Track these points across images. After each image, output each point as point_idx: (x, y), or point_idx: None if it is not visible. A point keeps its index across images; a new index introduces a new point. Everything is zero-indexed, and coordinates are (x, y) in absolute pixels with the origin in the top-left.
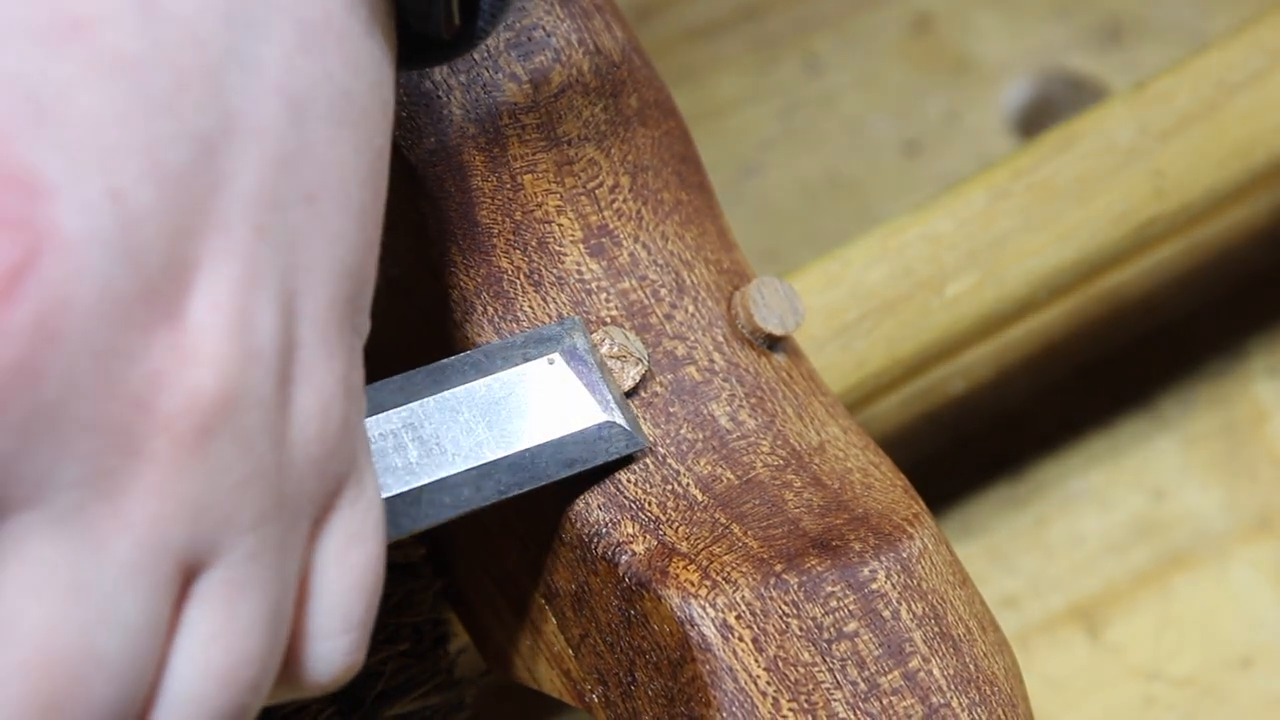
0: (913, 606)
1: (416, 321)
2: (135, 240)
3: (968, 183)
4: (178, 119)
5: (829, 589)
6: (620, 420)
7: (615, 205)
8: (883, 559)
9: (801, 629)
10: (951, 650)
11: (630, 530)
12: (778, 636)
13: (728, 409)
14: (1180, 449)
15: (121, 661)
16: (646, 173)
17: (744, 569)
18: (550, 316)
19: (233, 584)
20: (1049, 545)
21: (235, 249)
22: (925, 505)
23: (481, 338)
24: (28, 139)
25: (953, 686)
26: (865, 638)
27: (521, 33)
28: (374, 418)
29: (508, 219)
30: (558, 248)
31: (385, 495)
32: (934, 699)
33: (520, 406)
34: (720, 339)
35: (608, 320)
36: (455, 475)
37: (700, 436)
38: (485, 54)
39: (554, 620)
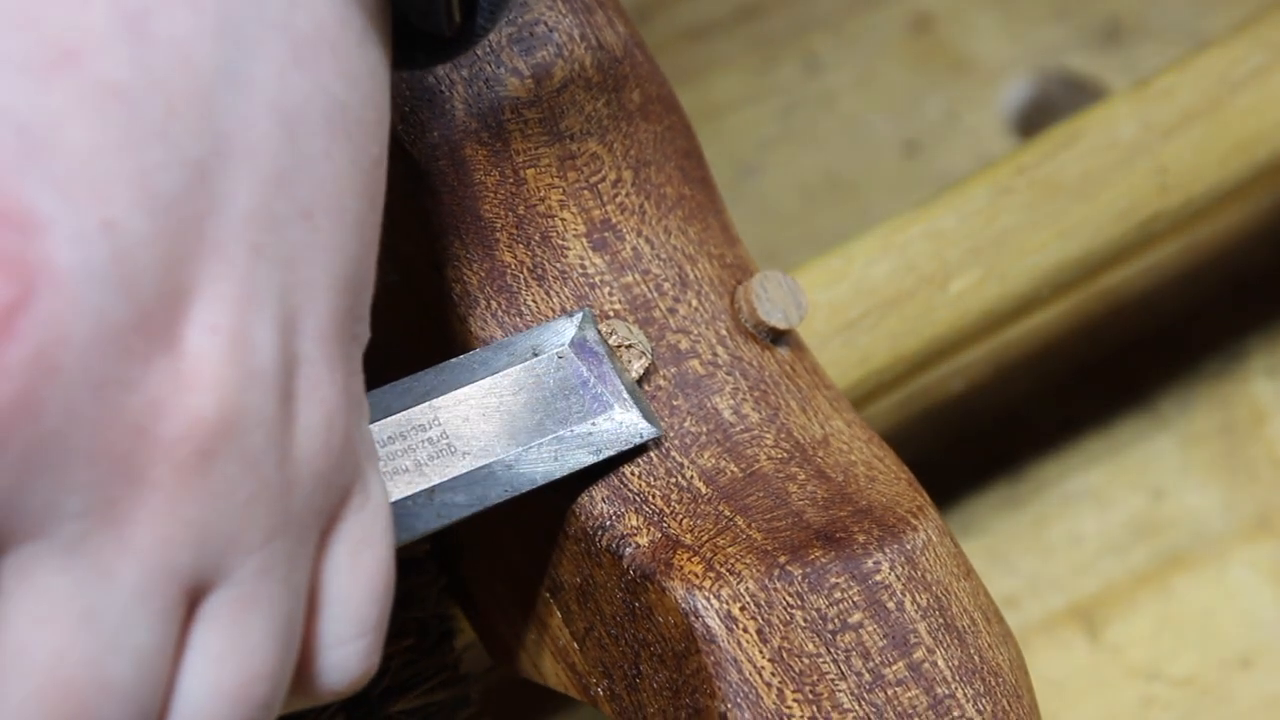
0: (917, 598)
1: (420, 317)
2: (129, 270)
3: (970, 179)
4: (170, 145)
5: (833, 580)
6: (634, 410)
7: (618, 200)
8: (887, 551)
9: (806, 620)
10: (956, 641)
11: (634, 523)
12: (782, 628)
13: (731, 402)
14: (1180, 449)
15: (131, 686)
16: (649, 167)
17: (748, 561)
18: (554, 310)
19: (241, 602)
20: (1048, 545)
21: (231, 271)
22: (928, 497)
23: (485, 332)
24: (19, 173)
25: (958, 677)
26: (870, 629)
27: (524, 28)
28: (382, 421)
29: (511, 213)
30: (561, 242)
31: (396, 498)
32: (939, 690)
33: (532, 401)
34: (724, 333)
35: (611, 314)
36: (467, 474)
37: (704, 430)
38: (487, 49)
39: (559, 614)
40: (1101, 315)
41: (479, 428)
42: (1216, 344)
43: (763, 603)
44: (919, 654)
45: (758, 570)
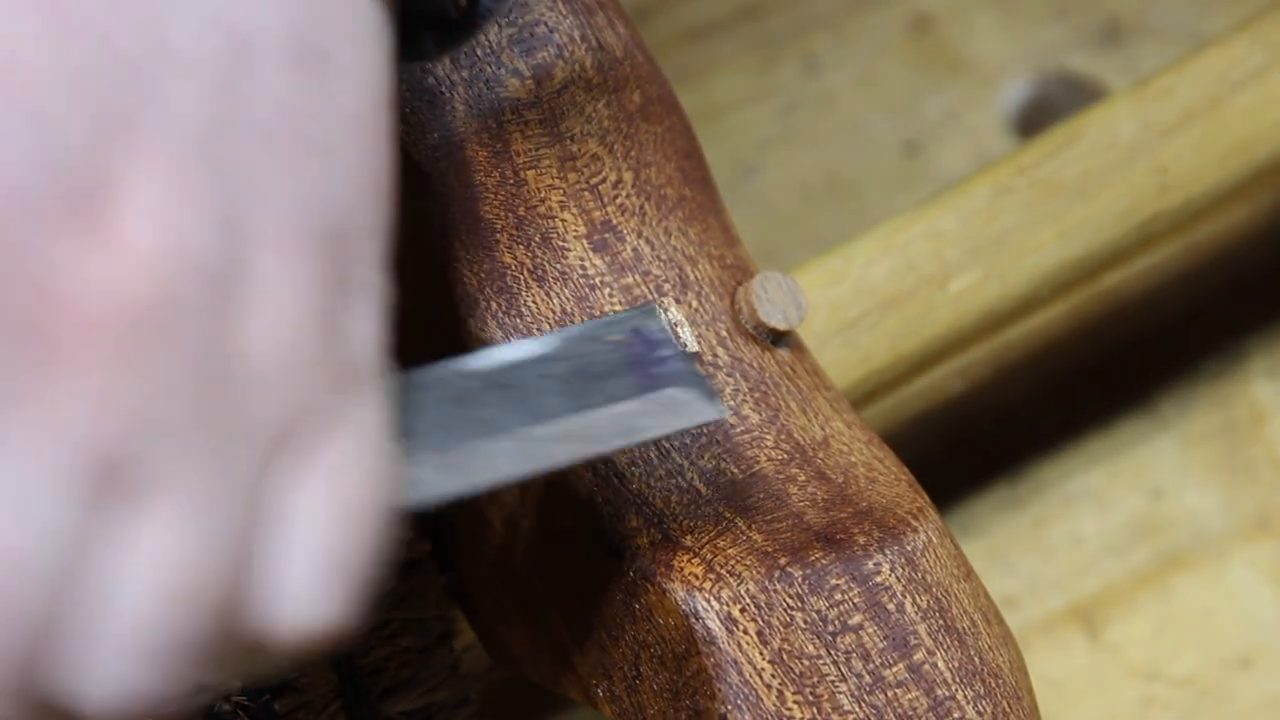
0: (917, 599)
1: (420, 318)
2: (51, 147)
3: (971, 179)
4: (102, 38)
5: (833, 582)
6: (699, 390)
7: (618, 201)
8: (887, 552)
9: (806, 622)
10: (956, 643)
11: (634, 524)
12: (782, 629)
13: (731, 404)
14: (1179, 449)
15: (40, 564)
16: (649, 168)
17: (748, 562)
18: (554, 311)
19: (168, 492)
20: (1048, 546)
21: (169, 166)
22: (929, 499)
23: (485, 333)
24: None
25: (958, 679)
26: (870, 630)
27: (524, 29)
28: (444, 369)
29: (511, 214)
30: (561, 243)
31: (446, 448)
32: (939, 691)
33: (599, 376)
34: (724, 334)
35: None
36: (530, 432)
37: (704, 431)
38: (488, 50)
39: (558, 615)
40: (1101, 316)
41: (546, 395)
42: (1216, 344)
43: (763, 604)
44: (919, 655)
45: (758, 572)
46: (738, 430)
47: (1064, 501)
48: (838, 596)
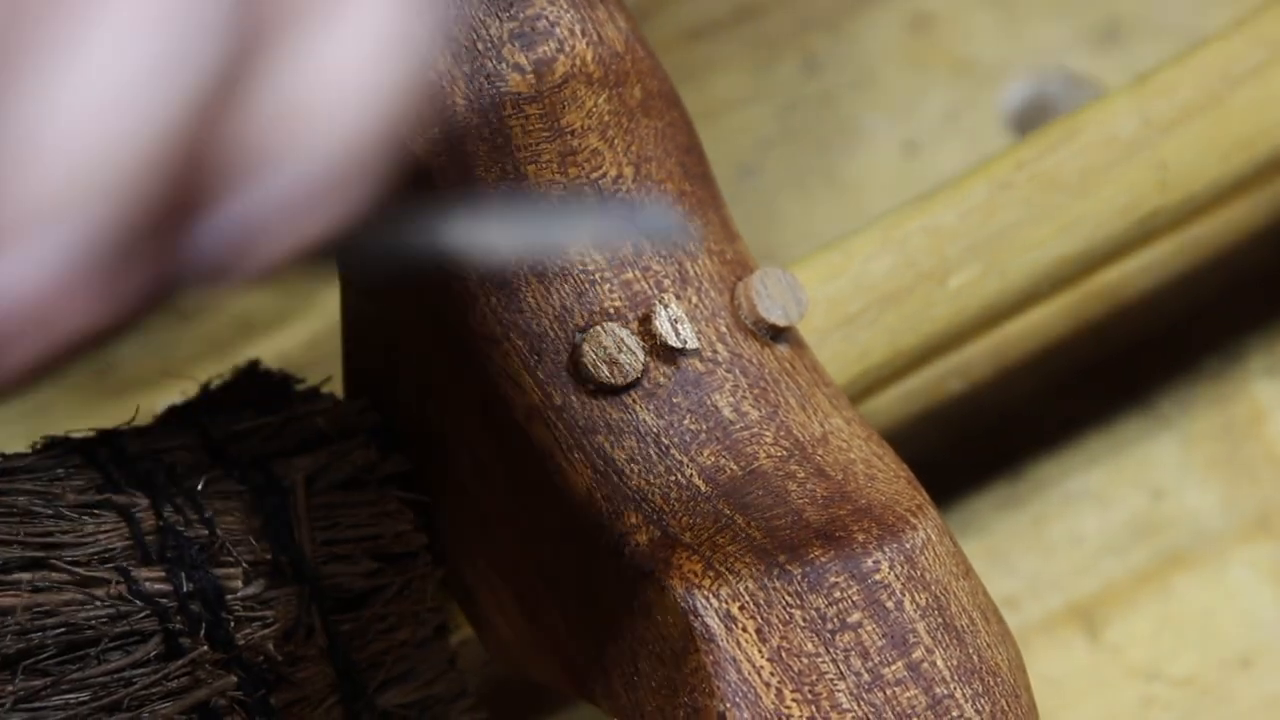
0: (916, 597)
1: (420, 314)
2: None
3: (970, 175)
4: None
5: (832, 579)
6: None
7: (619, 196)
8: (886, 550)
9: (805, 619)
10: (955, 641)
11: (634, 521)
12: (781, 627)
13: (731, 400)
14: (1180, 448)
15: None
16: (650, 163)
17: (747, 560)
18: (554, 307)
19: None
20: (1048, 545)
21: None
22: (928, 496)
23: (485, 328)
24: None
25: (956, 677)
26: (869, 628)
27: (525, 22)
28: None
29: None
30: None
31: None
32: (938, 690)
33: None
34: (723, 330)
35: (611, 311)
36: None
37: (704, 427)
38: (488, 44)
39: (556, 611)
40: (1102, 314)
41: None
42: (1216, 344)
43: (762, 602)
44: (918, 654)
45: (757, 569)
46: (737, 427)
47: (1064, 500)
48: (836, 594)
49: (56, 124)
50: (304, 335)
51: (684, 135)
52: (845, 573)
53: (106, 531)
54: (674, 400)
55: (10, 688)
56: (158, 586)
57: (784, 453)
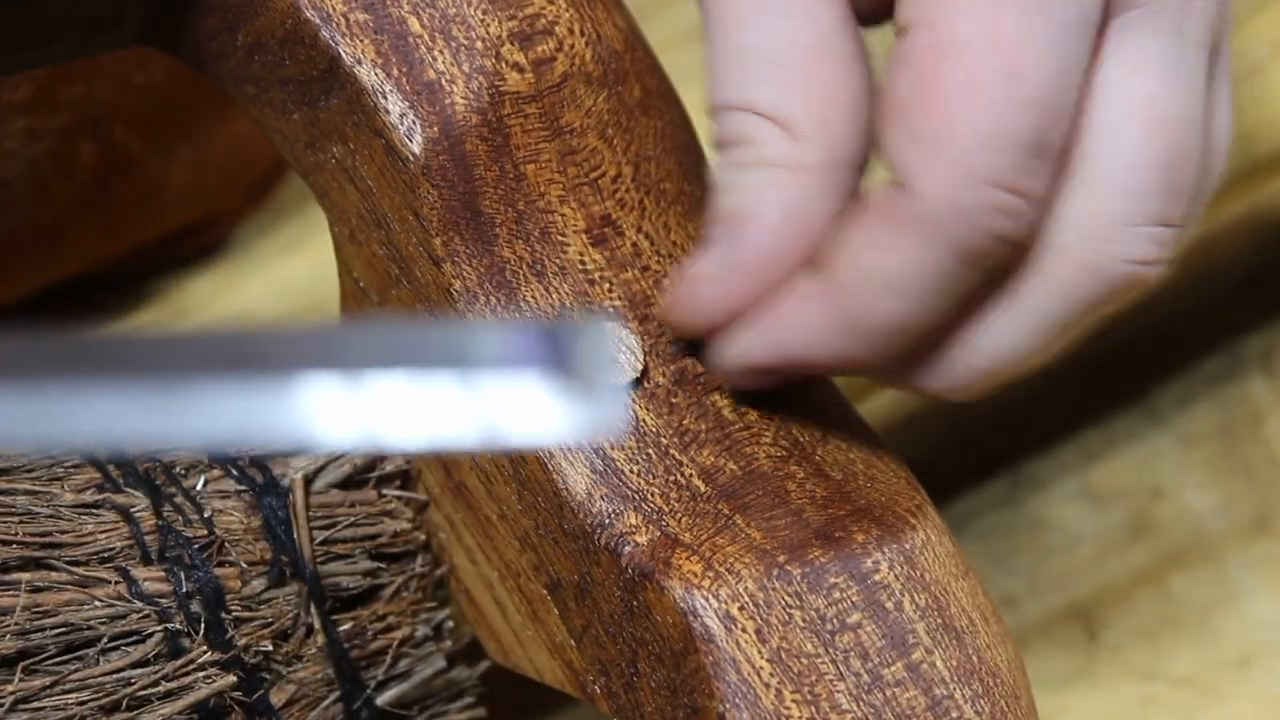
0: (915, 598)
1: (423, 313)
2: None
3: None
4: None
5: (832, 580)
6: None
7: (618, 195)
8: (885, 550)
9: (805, 620)
10: (955, 642)
11: (633, 521)
12: (780, 628)
13: (730, 399)
14: (1178, 448)
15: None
16: (649, 162)
17: (747, 560)
18: (553, 306)
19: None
20: (1046, 545)
21: None
22: (927, 496)
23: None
24: None
25: (956, 678)
26: (868, 629)
27: (524, 21)
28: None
29: (510, 209)
30: (560, 237)
31: None
32: (937, 690)
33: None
34: None
35: (610, 311)
36: None
37: (703, 427)
38: (488, 43)
39: (556, 611)
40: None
41: None
42: (1215, 343)
43: (761, 603)
44: (917, 654)
45: (757, 570)
46: (737, 426)
47: (1062, 500)
48: (836, 595)
49: None
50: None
51: (683, 134)
52: (845, 573)
53: (106, 531)
54: (673, 400)
55: (9, 688)
56: (157, 586)
57: (783, 452)
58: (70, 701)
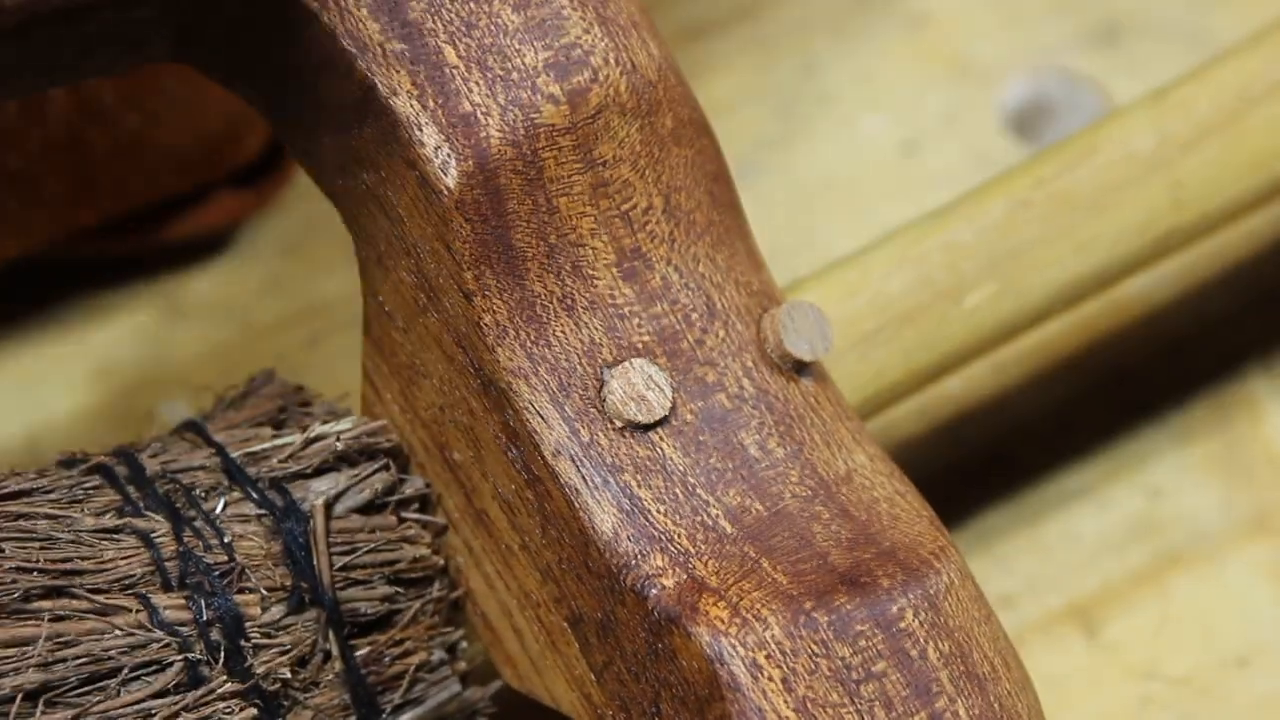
0: (939, 645)
1: (451, 344)
2: None
3: (987, 191)
4: None
5: (858, 628)
6: None
7: (648, 228)
8: (910, 595)
9: (830, 669)
10: (977, 689)
11: (660, 563)
12: (807, 676)
13: (757, 437)
14: (1177, 448)
15: None
16: (680, 193)
17: (774, 606)
18: (583, 342)
19: None
20: (1046, 544)
21: None
22: (950, 538)
23: (514, 362)
24: None
25: None
26: (893, 678)
27: (559, 51)
28: None
29: (543, 242)
30: (591, 271)
31: None
32: None
33: None
34: (750, 364)
35: (639, 346)
36: None
37: (729, 466)
38: (523, 74)
39: (576, 644)
40: (1100, 314)
41: None
42: (1215, 343)
43: (788, 651)
44: (941, 703)
45: (783, 617)
46: (763, 465)
47: (1061, 500)
48: (862, 643)
49: None
50: (302, 335)
51: (713, 163)
52: (870, 620)
53: (127, 557)
54: (700, 438)
55: None
56: (178, 614)
57: (809, 492)
58: None
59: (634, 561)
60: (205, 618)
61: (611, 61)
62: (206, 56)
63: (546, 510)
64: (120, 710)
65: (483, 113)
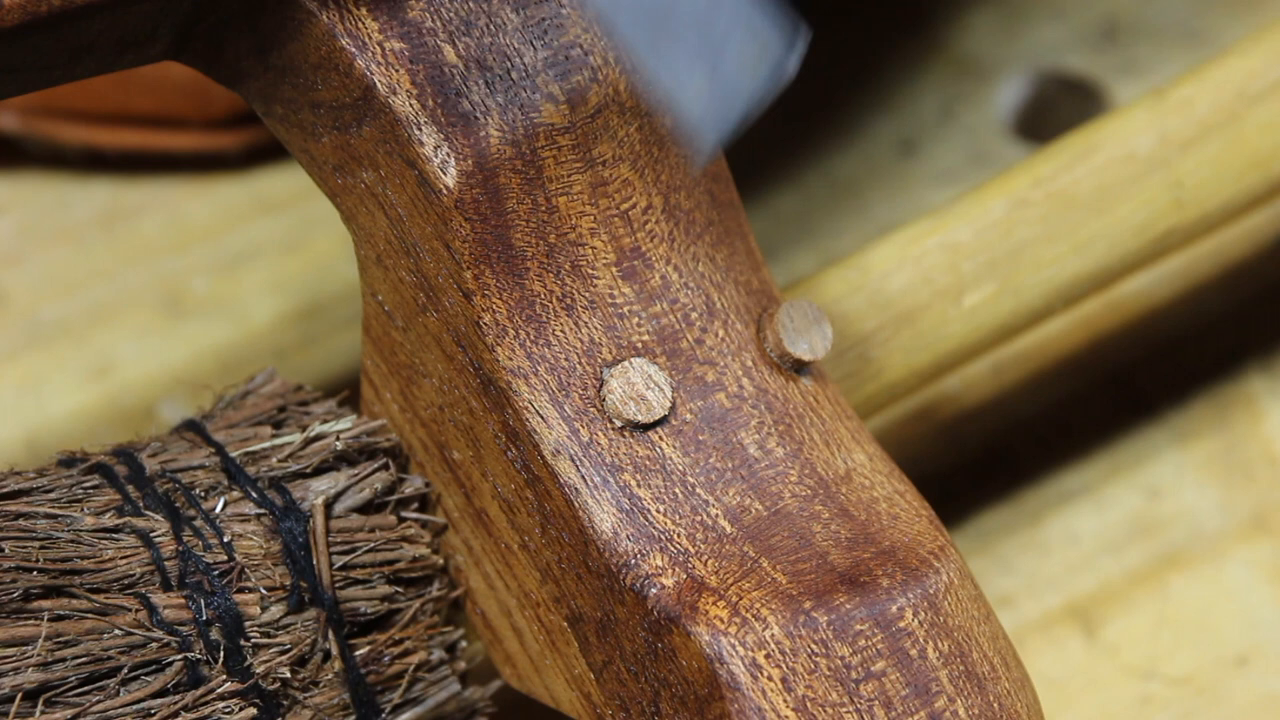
0: (939, 644)
1: (450, 342)
2: None
3: (987, 190)
4: None
5: (858, 627)
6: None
7: (648, 227)
8: (909, 595)
9: (830, 669)
10: (976, 689)
11: (659, 563)
12: (806, 676)
13: (756, 436)
14: (1176, 448)
15: None
16: (679, 193)
17: (773, 606)
18: (582, 341)
19: None
20: (1045, 544)
21: None
22: (949, 537)
23: (513, 361)
24: None
25: None
26: (893, 677)
27: (559, 51)
28: None
29: (542, 242)
30: (590, 271)
31: None
32: None
33: None
34: (749, 364)
35: (639, 346)
36: None
37: (729, 465)
38: (523, 73)
39: (576, 644)
40: (1099, 314)
41: None
42: (1214, 343)
43: (787, 650)
44: (940, 703)
45: (783, 616)
46: (762, 464)
47: (1061, 500)
48: (861, 643)
49: None
50: (302, 335)
51: (714, 162)
52: (870, 620)
53: (126, 556)
54: (700, 437)
55: None
56: (177, 614)
57: (808, 492)
58: None
59: (633, 561)
60: (205, 617)
61: (611, 61)
62: (206, 56)
63: (546, 510)
64: (120, 710)
65: (482, 112)
